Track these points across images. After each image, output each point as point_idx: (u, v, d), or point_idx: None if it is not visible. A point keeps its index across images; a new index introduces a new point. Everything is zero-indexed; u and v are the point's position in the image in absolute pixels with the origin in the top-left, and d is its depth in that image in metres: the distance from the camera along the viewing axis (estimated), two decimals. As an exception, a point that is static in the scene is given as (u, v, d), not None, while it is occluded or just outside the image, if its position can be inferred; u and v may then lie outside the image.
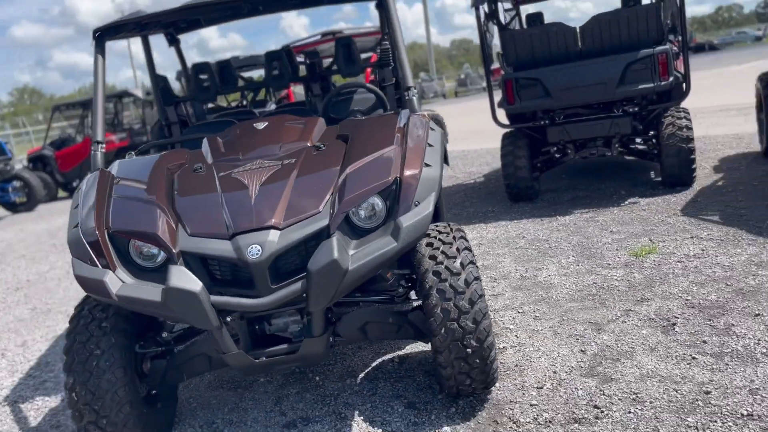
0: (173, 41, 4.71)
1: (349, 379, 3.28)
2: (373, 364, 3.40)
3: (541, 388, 2.90)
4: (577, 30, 6.15)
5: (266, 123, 3.27)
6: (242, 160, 2.99)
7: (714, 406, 2.55)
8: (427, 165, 2.72)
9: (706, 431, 2.40)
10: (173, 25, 3.89)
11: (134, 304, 2.50)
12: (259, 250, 2.46)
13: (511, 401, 2.84)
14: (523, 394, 2.88)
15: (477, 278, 2.67)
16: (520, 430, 2.62)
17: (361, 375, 3.31)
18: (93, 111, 3.19)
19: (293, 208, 2.59)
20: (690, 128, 5.85)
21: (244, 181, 2.76)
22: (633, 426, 2.51)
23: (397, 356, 3.45)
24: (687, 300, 3.57)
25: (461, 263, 2.68)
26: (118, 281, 2.52)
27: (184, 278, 2.44)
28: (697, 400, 2.60)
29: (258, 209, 2.60)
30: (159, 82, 4.42)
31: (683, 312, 3.43)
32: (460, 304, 2.61)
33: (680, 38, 5.95)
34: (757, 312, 3.28)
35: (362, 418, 2.91)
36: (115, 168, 3.11)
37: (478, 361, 2.64)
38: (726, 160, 7.08)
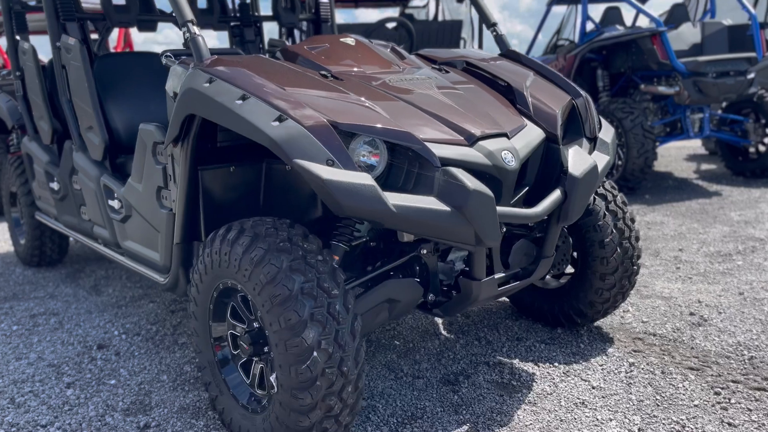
0: None
1: (444, 349, 2.98)
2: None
3: (624, 317, 3.20)
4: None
5: (353, 40, 2.83)
6: (371, 74, 2.53)
7: (714, 364, 2.92)
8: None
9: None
10: None
11: (415, 216, 1.91)
12: (513, 158, 2.21)
13: (621, 323, 3.06)
14: (622, 322, 3.11)
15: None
16: (663, 339, 2.88)
17: (458, 346, 3.03)
18: None
19: (501, 118, 2.38)
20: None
21: (421, 91, 2.40)
22: (731, 329, 3.05)
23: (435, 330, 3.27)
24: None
25: (612, 185, 2.84)
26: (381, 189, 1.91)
27: (477, 182, 2.02)
28: (706, 364, 3.00)
29: (478, 116, 2.31)
30: None
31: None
32: (627, 222, 2.77)
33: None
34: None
35: (516, 360, 2.73)
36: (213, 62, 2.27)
37: (635, 277, 2.82)
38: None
